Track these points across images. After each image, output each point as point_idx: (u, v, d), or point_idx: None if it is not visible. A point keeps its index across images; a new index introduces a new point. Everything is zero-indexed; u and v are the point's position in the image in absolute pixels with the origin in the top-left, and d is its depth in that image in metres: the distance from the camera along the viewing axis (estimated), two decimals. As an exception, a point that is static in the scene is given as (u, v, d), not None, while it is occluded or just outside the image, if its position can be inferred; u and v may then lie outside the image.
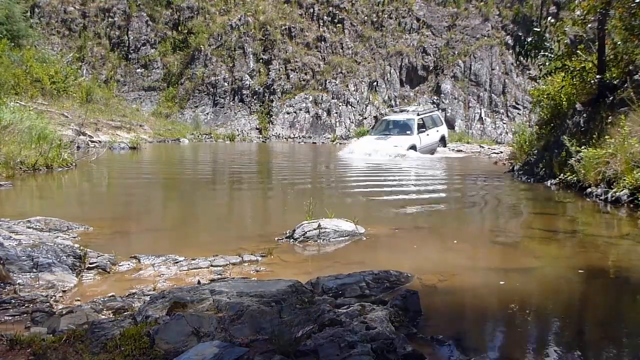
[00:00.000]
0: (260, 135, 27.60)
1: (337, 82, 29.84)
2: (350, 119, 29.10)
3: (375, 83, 30.29)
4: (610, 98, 8.74)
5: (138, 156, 15.66)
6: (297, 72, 30.02)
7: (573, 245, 4.83)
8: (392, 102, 30.24)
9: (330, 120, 28.77)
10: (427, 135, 16.56)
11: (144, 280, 3.62)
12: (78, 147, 14.33)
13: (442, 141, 17.94)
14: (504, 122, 29.22)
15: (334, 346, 2.19)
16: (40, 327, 2.65)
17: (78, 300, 3.22)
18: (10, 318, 2.87)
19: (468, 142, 24.10)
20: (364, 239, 4.84)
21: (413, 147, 15.43)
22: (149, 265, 3.93)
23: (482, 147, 22.37)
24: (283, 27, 31.11)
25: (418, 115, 16.69)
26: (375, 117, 18.72)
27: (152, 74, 30.22)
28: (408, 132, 16.07)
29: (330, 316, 2.46)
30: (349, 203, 7.44)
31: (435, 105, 23.49)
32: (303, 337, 2.29)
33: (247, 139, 26.53)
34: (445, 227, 5.81)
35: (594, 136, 8.00)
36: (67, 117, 17.49)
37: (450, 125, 29.07)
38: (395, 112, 19.07)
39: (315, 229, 4.81)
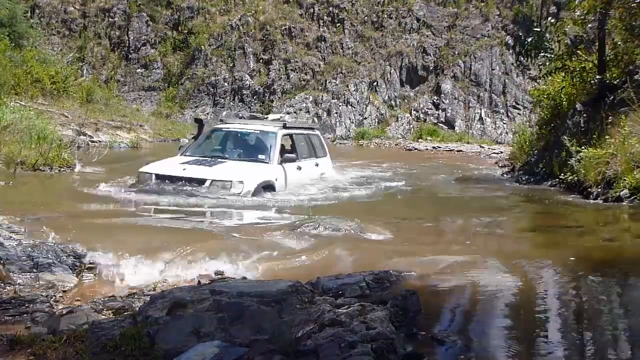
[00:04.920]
0: (261, 135, 27.59)
1: (337, 82, 29.85)
2: (350, 119, 29.13)
3: (375, 83, 30.30)
4: (611, 98, 8.74)
5: (137, 155, 15.65)
6: (297, 72, 30.03)
7: (572, 245, 4.83)
8: (392, 102, 30.27)
9: (331, 121, 28.78)
10: (300, 169, 8.49)
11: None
12: (78, 147, 14.32)
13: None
14: (504, 122, 29.24)
15: (334, 346, 2.19)
16: (40, 327, 2.65)
17: (78, 300, 3.22)
18: (10, 318, 2.87)
19: (468, 142, 24.13)
20: (364, 238, 4.84)
21: (268, 187, 7.59)
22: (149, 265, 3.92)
23: (482, 147, 22.40)
24: (283, 27, 31.12)
25: (285, 127, 8.64)
26: (200, 121, 10.49)
27: (152, 74, 30.23)
28: (261, 156, 8.08)
29: (330, 316, 2.46)
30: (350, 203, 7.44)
31: (316, 121, 11.65)
32: (303, 337, 2.29)
33: (247, 139, 26.53)
34: (446, 226, 5.81)
35: (594, 136, 8.00)
36: (67, 117, 17.48)
37: (451, 125, 29.10)
38: (242, 118, 10.19)
39: (315, 229, 4.81)
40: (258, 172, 7.60)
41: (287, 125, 8.76)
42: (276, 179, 7.73)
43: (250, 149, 8.37)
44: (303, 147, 9.22)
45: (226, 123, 9.20)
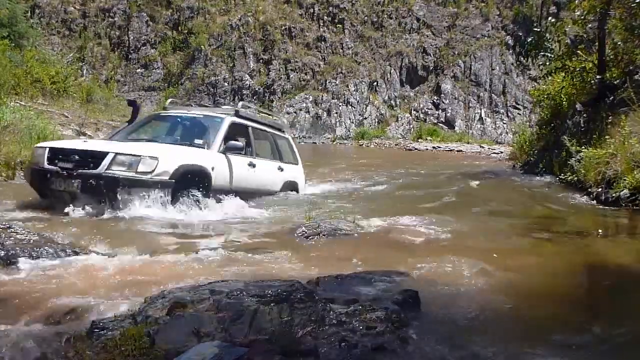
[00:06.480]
0: (261, 135, 27.62)
1: (337, 82, 29.88)
2: (350, 119, 29.15)
3: (375, 83, 30.32)
4: (611, 98, 8.75)
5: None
6: (297, 72, 30.05)
7: (572, 245, 4.84)
8: (392, 102, 30.28)
9: (331, 120, 28.80)
10: (253, 167, 7.01)
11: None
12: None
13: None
14: (504, 122, 29.26)
15: (334, 346, 2.19)
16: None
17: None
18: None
19: (468, 142, 24.15)
20: (364, 238, 4.84)
21: (200, 176, 5.94)
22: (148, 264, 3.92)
23: (482, 147, 22.43)
24: (283, 27, 31.14)
25: (237, 116, 7.18)
26: (133, 103, 7.93)
27: (152, 74, 30.25)
28: (199, 141, 6.58)
29: (330, 316, 2.47)
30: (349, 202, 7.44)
31: (286, 122, 10.30)
32: (303, 337, 2.30)
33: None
34: (447, 225, 5.80)
35: (594, 136, 8.01)
36: (67, 117, 17.50)
37: (451, 125, 29.11)
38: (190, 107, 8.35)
39: (315, 229, 4.81)
40: (185, 154, 6.04)
41: (241, 114, 7.22)
42: (213, 168, 6.11)
43: (189, 134, 6.91)
44: (263, 146, 7.84)
45: (169, 111, 7.82)
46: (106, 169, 5.20)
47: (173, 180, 5.49)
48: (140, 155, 5.36)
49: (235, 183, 6.50)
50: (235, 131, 6.97)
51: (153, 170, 5.34)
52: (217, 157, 6.32)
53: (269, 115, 8.80)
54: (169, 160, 5.56)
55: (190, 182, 5.73)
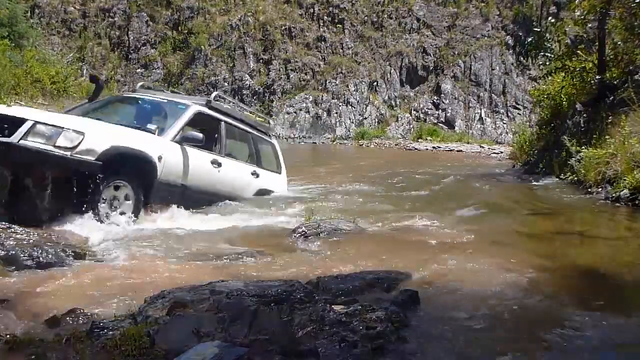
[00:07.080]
0: (261, 135, 27.60)
1: (337, 82, 29.88)
2: (350, 119, 29.16)
3: (375, 83, 30.32)
4: (611, 98, 8.76)
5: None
6: (297, 72, 30.06)
7: (571, 245, 4.84)
8: (392, 102, 30.29)
9: (331, 120, 28.81)
10: (218, 166, 6.09)
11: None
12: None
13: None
14: (504, 122, 29.27)
15: (334, 346, 2.19)
16: (41, 326, 2.65)
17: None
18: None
19: (468, 142, 24.16)
20: (365, 238, 4.84)
21: (141, 162, 5.01)
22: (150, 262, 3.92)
23: (482, 147, 22.45)
24: (283, 27, 31.14)
25: (208, 106, 6.31)
26: (96, 79, 8.02)
27: (152, 74, 30.26)
28: (152, 126, 5.62)
29: (330, 316, 2.47)
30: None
31: (271, 125, 8.95)
32: (303, 337, 2.30)
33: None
34: (447, 225, 5.80)
35: (594, 136, 8.01)
36: (67, 117, 17.53)
37: (451, 125, 29.12)
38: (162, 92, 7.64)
39: (315, 229, 4.81)
40: (123, 134, 5.06)
41: (213, 106, 6.32)
42: (160, 157, 5.18)
43: (145, 118, 5.96)
44: (238, 147, 7.00)
45: (134, 93, 7.01)
46: (20, 139, 4.26)
47: (100, 163, 4.50)
48: (62, 127, 4.46)
49: (190, 180, 5.62)
50: (202, 123, 6.07)
51: (75, 147, 4.40)
52: (168, 146, 5.39)
53: (254, 115, 8.19)
54: (98, 137, 4.63)
55: (125, 169, 4.87)
